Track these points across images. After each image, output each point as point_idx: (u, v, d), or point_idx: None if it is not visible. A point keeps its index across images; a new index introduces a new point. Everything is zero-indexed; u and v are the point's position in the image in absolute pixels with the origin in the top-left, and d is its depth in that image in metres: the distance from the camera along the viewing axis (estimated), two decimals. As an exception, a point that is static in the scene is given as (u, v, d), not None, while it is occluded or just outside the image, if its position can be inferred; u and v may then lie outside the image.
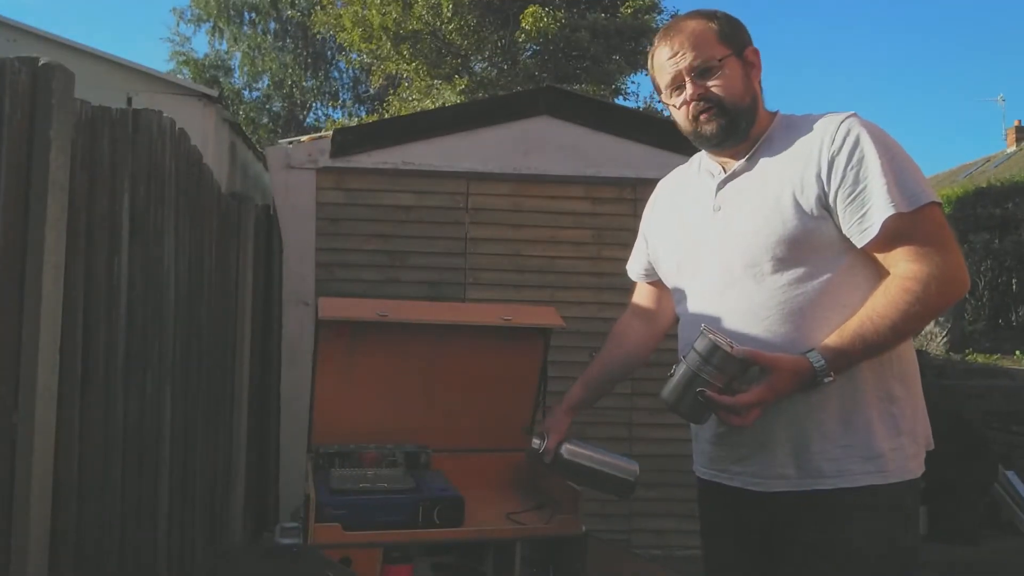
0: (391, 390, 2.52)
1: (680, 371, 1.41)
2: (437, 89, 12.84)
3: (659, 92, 1.61)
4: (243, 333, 3.82)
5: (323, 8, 15.07)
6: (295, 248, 4.31)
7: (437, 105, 11.70)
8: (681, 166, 1.77)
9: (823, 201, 1.40)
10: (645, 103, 14.80)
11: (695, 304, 1.58)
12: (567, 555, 2.24)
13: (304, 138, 4.47)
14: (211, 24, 21.79)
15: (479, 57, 12.82)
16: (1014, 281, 9.16)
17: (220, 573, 3.47)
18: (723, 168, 1.56)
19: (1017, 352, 7.48)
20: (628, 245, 4.92)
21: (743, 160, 1.52)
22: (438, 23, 12.15)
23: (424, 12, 12.09)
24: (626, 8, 12.21)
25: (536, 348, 2.57)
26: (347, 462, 2.46)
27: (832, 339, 1.36)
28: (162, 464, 2.70)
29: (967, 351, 7.46)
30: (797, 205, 1.41)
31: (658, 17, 13.03)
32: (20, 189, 1.78)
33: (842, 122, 1.42)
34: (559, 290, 4.40)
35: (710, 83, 1.48)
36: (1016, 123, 18.87)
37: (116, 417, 2.31)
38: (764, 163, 1.50)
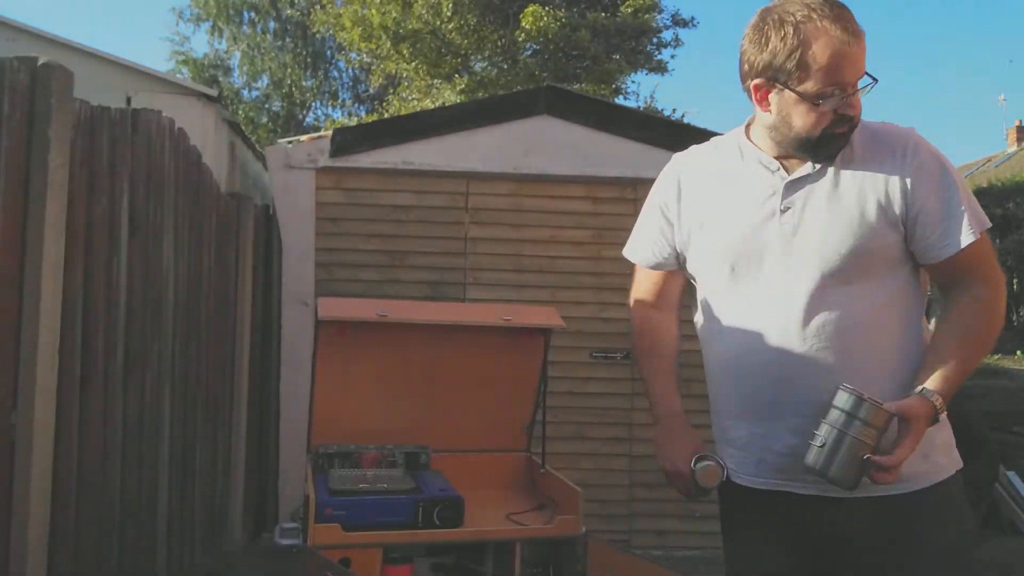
0: (391, 390, 2.52)
1: (828, 435, 1.32)
2: (437, 89, 12.83)
3: (774, 74, 1.37)
4: (242, 333, 3.82)
5: (323, 7, 15.05)
6: (295, 248, 4.30)
7: (437, 105, 11.70)
8: (702, 147, 1.61)
9: (902, 216, 1.41)
10: (645, 102, 14.80)
11: (755, 310, 1.47)
12: (567, 556, 2.24)
13: (304, 138, 4.46)
14: (210, 23, 21.76)
15: (479, 56, 12.81)
16: (1015, 281, 9.16)
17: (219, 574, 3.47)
18: (783, 166, 1.46)
19: (1018, 352, 7.48)
20: (628, 245, 4.84)
21: (815, 166, 1.43)
22: (438, 22, 12.14)
23: (424, 11, 12.08)
24: (626, 7, 12.20)
25: (536, 348, 2.57)
26: (347, 462, 2.46)
27: (938, 379, 1.35)
28: (161, 464, 2.70)
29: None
30: (881, 218, 1.40)
31: (658, 16, 13.03)
32: (19, 189, 1.77)
33: (914, 139, 1.43)
34: (559, 290, 4.39)
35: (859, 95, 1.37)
36: (1017, 123, 18.89)
37: (115, 417, 2.30)
38: (839, 169, 1.43)
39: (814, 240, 1.42)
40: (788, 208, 1.44)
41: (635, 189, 4.44)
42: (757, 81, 1.41)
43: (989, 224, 1.42)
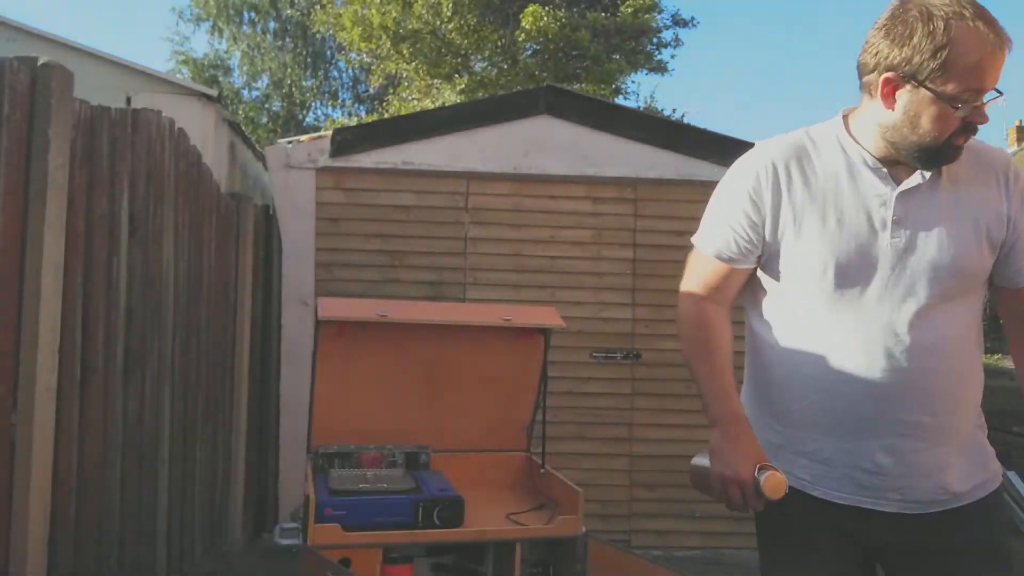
0: (391, 390, 2.52)
1: None
2: (437, 89, 12.84)
3: (908, 71, 1.30)
4: (242, 333, 3.82)
5: (323, 7, 15.06)
6: (295, 248, 4.30)
7: (437, 105, 11.70)
8: (795, 137, 1.48)
9: (1003, 240, 1.42)
10: (645, 102, 14.80)
11: (856, 325, 1.41)
12: (567, 556, 2.24)
13: (304, 138, 4.46)
14: (210, 23, 21.78)
15: (479, 56, 12.82)
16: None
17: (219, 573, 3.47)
18: (890, 173, 1.39)
19: (1017, 352, 7.47)
20: (629, 245, 4.89)
21: (926, 177, 1.38)
22: (438, 22, 12.14)
23: (424, 11, 12.09)
24: (626, 7, 12.21)
25: (536, 348, 2.57)
26: (347, 462, 2.46)
27: None
28: (161, 464, 2.70)
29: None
30: (986, 240, 1.41)
31: (658, 17, 13.03)
32: (19, 189, 1.77)
33: (1014, 164, 1.44)
34: (559, 290, 4.40)
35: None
36: (1017, 123, 18.86)
37: (115, 417, 2.30)
38: (948, 184, 1.39)
39: (926, 258, 1.38)
40: (899, 222, 1.38)
41: (635, 189, 4.45)
42: (889, 75, 1.31)
43: None
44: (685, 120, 12.68)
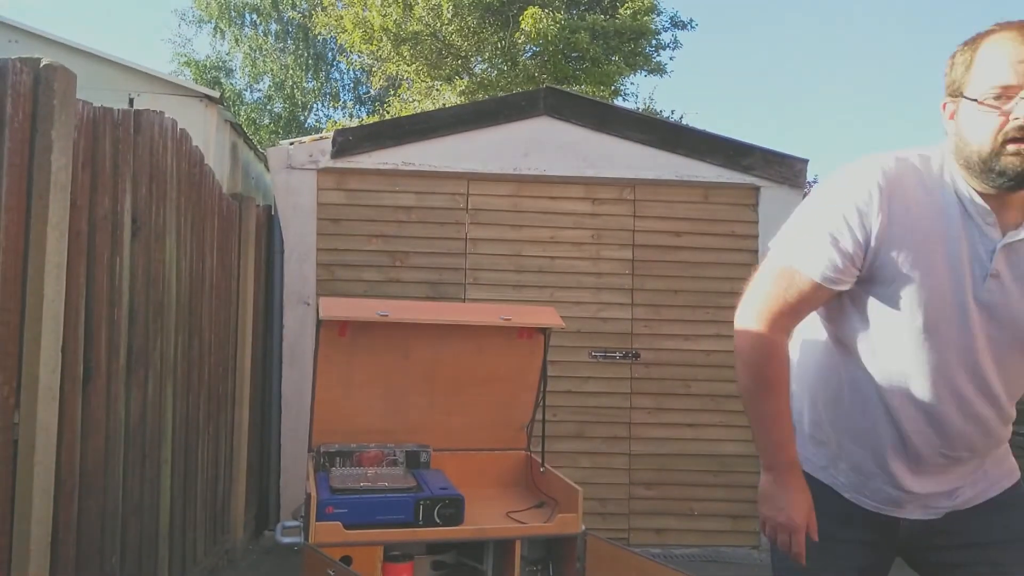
0: (392, 389, 2.53)
1: None
2: (437, 90, 12.85)
3: (956, 90, 1.34)
4: (244, 333, 3.83)
5: (324, 10, 15.07)
6: (296, 248, 4.32)
7: (437, 106, 11.71)
8: (907, 162, 1.41)
9: None
10: (644, 104, 14.81)
11: (931, 362, 1.40)
12: (566, 553, 2.25)
13: (305, 139, 4.48)
14: (212, 25, 21.80)
15: (479, 58, 12.83)
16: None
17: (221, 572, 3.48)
18: (996, 219, 1.35)
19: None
20: (628, 245, 4.90)
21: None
22: (438, 24, 12.15)
23: (424, 13, 12.10)
24: (625, 9, 12.22)
25: (536, 348, 2.58)
26: (348, 461, 2.48)
27: None
28: (163, 463, 2.71)
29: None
30: None
31: (656, 19, 13.04)
32: (22, 189, 1.79)
33: None
34: (559, 290, 4.41)
35: None
36: (1016, 123, 18.85)
37: (118, 416, 2.31)
38: None
39: (1015, 314, 1.38)
40: (997, 275, 1.35)
41: (634, 189, 4.46)
42: (945, 101, 1.37)
43: None
44: (684, 121, 12.70)
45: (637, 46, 12.47)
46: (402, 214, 4.40)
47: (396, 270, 4.38)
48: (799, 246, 1.43)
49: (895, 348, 1.42)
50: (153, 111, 2.58)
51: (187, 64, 21.62)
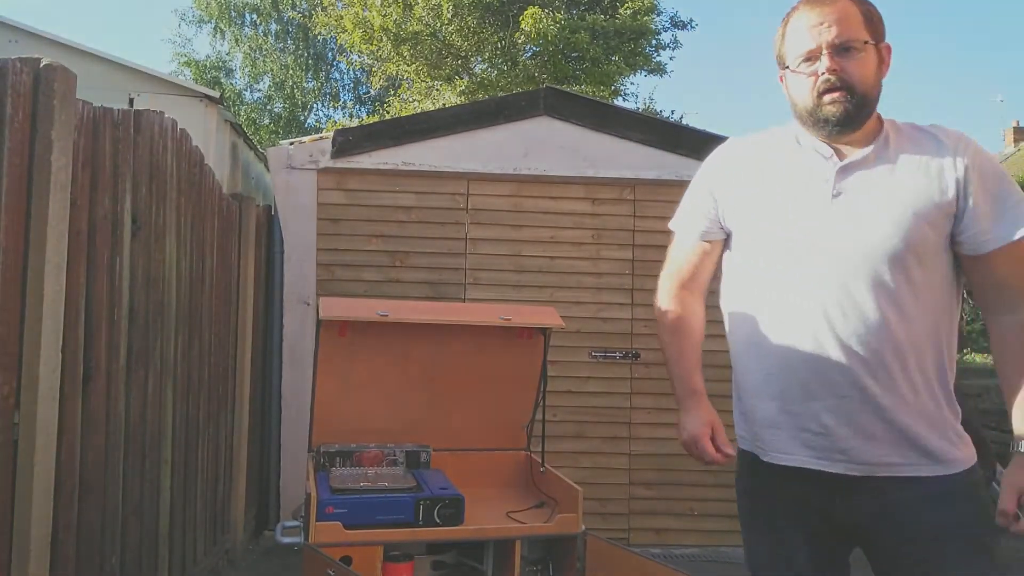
0: (391, 390, 2.53)
1: None
2: (437, 90, 12.85)
3: (781, 62, 1.55)
4: (244, 332, 3.83)
5: (324, 9, 15.08)
6: (296, 248, 4.32)
7: (437, 106, 11.71)
8: (759, 135, 1.67)
9: (954, 205, 1.45)
10: (644, 104, 14.81)
11: (799, 295, 1.50)
12: (566, 553, 2.25)
13: (305, 139, 4.48)
14: (212, 25, 21.81)
15: (479, 58, 12.83)
16: (1014, 281, 9.15)
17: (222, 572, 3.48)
18: (836, 153, 1.51)
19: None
20: (628, 245, 4.89)
21: (867, 150, 1.49)
22: (438, 24, 12.16)
23: (424, 13, 12.10)
24: (625, 9, 12.22)
25: (536, 348, 2.58)
26: (348, 461, 2.48)
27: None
28: (163, 463, 2.71)
29: (965, 351, 7.46)
30: (933, 207, 1.44)
31: (656, 19, 13.04)
32: (22, 189, 1.79)
33: (966, 137, 1.49)
34: (559, 290, 4.41)
35: (848, 63, 1.45)
36: (1015, 123, 18.88)
37: (118, 416, 2.31)
38: (890, 160, 1.48)
39: (865, 228, 1.45)
40: (840, 194, 1.48)
41: (634, 189, 4.46)
42: (779, 74, 1.57)
43: None
44: (684, 121, 12.70)
45: (637, 46, 12.48)
46: (402, 214, 4.40)
47: (396, 270, 4.38)
48: (677, 213, 1.77)
49: (762, 290, 1.56)
50: (153, 111, 2.58)
51: (187, 64, 21.65)
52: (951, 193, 1.44)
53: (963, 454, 1.50)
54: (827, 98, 1.46)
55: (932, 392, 1.48)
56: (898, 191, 1.46)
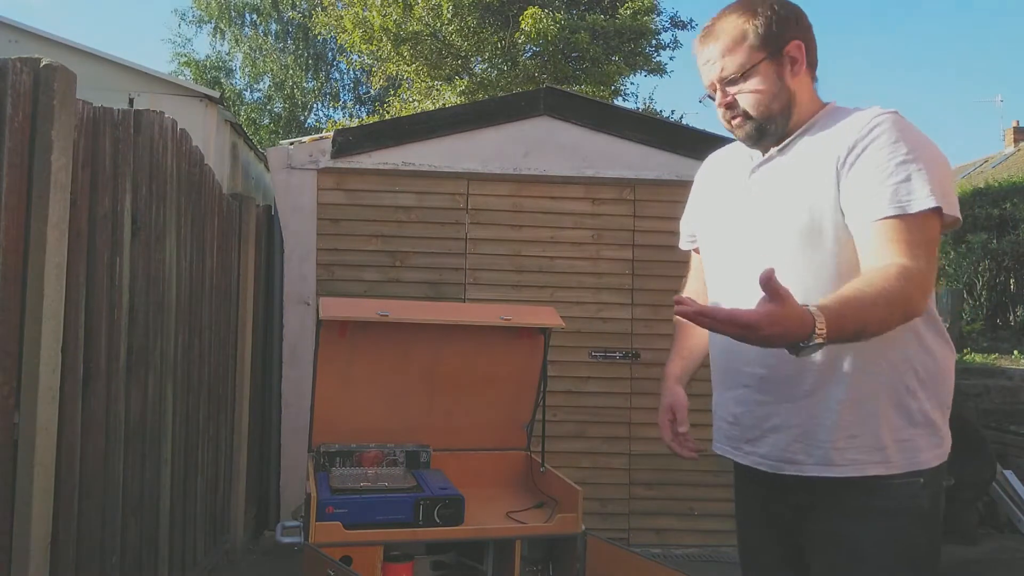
0: (391, 390, 2.53)
1: None
2: (437, 90, 12.84)
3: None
4: (244, 332, 3.83)
5: (324, 9, 15.07)
6: (296, 248, 4.32)
7: (437, 106, 11.72)
8: (733, 148, 1.73)
9: (843, 175, 1.40)
10: (644, 104, 14.81)
11: (723, 282, 1.61)
12: (566, 554, 2.25)
13: (305, 139, 4.48)
14: (212, 25, 21.80)
15: (479, 58, 12.82)
16: (1012, 281, 9.16)
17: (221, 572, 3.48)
18: (762, 154, 1.58)
19: (1015, 352, 7.48)
20: (628, 245, 4.91)
21: (777, 148, 1.55)
22: (438, 24, 12.15)
23: (424, 14, 12.09)
24: (625, 9, 12.21)
25: (536, 348, 2.58)
26: (348, 461, 2.48)
27: (829, 300, 1.23)
28: (163, 463, 2.71)
29: (965, 351, 7.46)
30: (830, 182, 1.42)
31: (656, 19, 13.04)
32: (22, 189, 1.79)
33: (880, 114, 1.43)
34: (559, 290, 4.41)
35: (739, 93, 1.50)
36: (1014, 123, 18.86)
37: (118, 416, 2.31)
38: (800, 148, 1.52)
39: (771, 208, 1.51)
40: (751, 188, 1.57)
41: (634, 190, 4.46)
42: None
43: (931, 205, 1.32)
44: (684, 121, 12.70)
45: (637, 46, 12.47)
46: (402, 214, 4.40)
47: (396, 270, 4.38)
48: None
49: (710, 283, 1.69)
50: (153, 111, 2.58)
51: (187, 64, 21.64)
52: (843, 161, 1.41)
53: (885, 459, 1.39)
54: (733, 123, 1.54)
55: (854, 387, 1.39)
56: (800, 170, 1.48)
